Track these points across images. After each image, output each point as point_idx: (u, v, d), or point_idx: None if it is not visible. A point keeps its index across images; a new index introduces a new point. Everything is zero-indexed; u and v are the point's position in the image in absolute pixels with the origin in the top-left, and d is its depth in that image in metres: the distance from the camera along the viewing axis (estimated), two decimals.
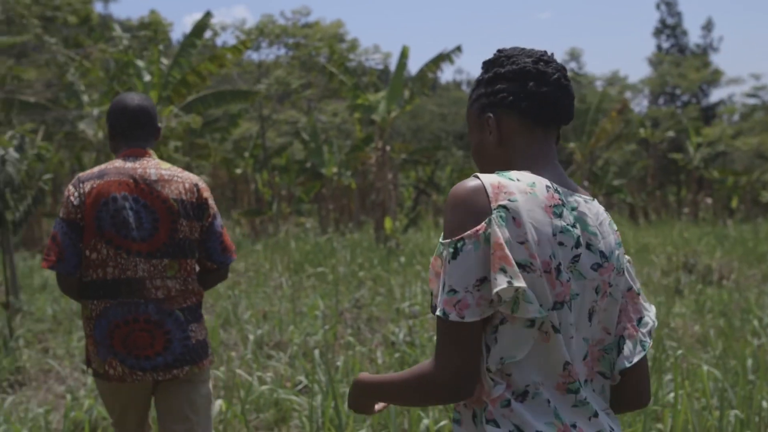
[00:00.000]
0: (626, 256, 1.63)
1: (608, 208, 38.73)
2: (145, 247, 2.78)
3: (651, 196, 31.89)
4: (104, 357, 2.79)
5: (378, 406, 1.74)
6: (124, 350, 2.77)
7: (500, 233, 1.39)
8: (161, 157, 7.75)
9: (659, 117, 33.88)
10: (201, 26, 14.60)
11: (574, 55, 46.69)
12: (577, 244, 1.48)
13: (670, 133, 30.92)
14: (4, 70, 12.34)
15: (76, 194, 2.80)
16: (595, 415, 1.49)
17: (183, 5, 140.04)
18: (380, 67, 36.17)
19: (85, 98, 14.22)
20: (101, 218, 2.76)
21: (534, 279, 1.40)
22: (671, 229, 19.61)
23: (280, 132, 30.98)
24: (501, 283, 1.37)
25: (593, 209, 1.56)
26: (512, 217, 1.41)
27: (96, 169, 2.88)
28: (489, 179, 1.45)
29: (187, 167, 19.67)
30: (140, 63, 13.40)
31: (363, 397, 1.69)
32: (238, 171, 22.78)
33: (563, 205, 1.48)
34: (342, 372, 5.04)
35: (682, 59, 40.61)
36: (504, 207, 1.41)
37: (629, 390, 1.61)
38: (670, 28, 47.00)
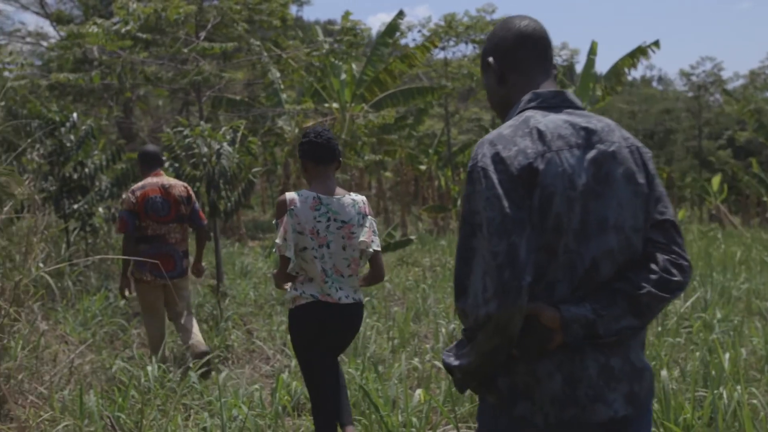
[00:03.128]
0: (370, 218, 3.84)
1: None
2: (165, 219, 5.71)
3: None
4: (142, 270, 5.63)
5: (285, 285, 3.85)
6: (156, 268, 5.53)
7: (288, 221, 3.65)
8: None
9: None
10: (393, 26, 14.93)
11: None
12: (328, 219, 3.69)
13: None
14: (210, 72, 13.28)
15: (132, 197, 5.67)
16: (337, 291, 3.72)
17: (368, 6, 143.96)
18: (565, 63, 35.32)
19: (284, 96, 15.00)
20: (147, 207, 5.66)
21: (303, 237, 3.66)
22: None
23: (461, 129, 31.10)
24: (279, 241, 3.65)
25: (341, 201, 3.76)
26: (295, 213, 3.66)
27: (140, 183, 5.77)
28: (290, 195, 3.70)
29: (375, 163, 20.26)
30: (338, 62, 13.92)
31: (275, 282, 3.89)
32: (422, 167, 23.08)
33: (321, 204, 3.70)
34: None
35: None
36: (292, 209, 3.66)
37: (372, 273, 3.91)
38: None
